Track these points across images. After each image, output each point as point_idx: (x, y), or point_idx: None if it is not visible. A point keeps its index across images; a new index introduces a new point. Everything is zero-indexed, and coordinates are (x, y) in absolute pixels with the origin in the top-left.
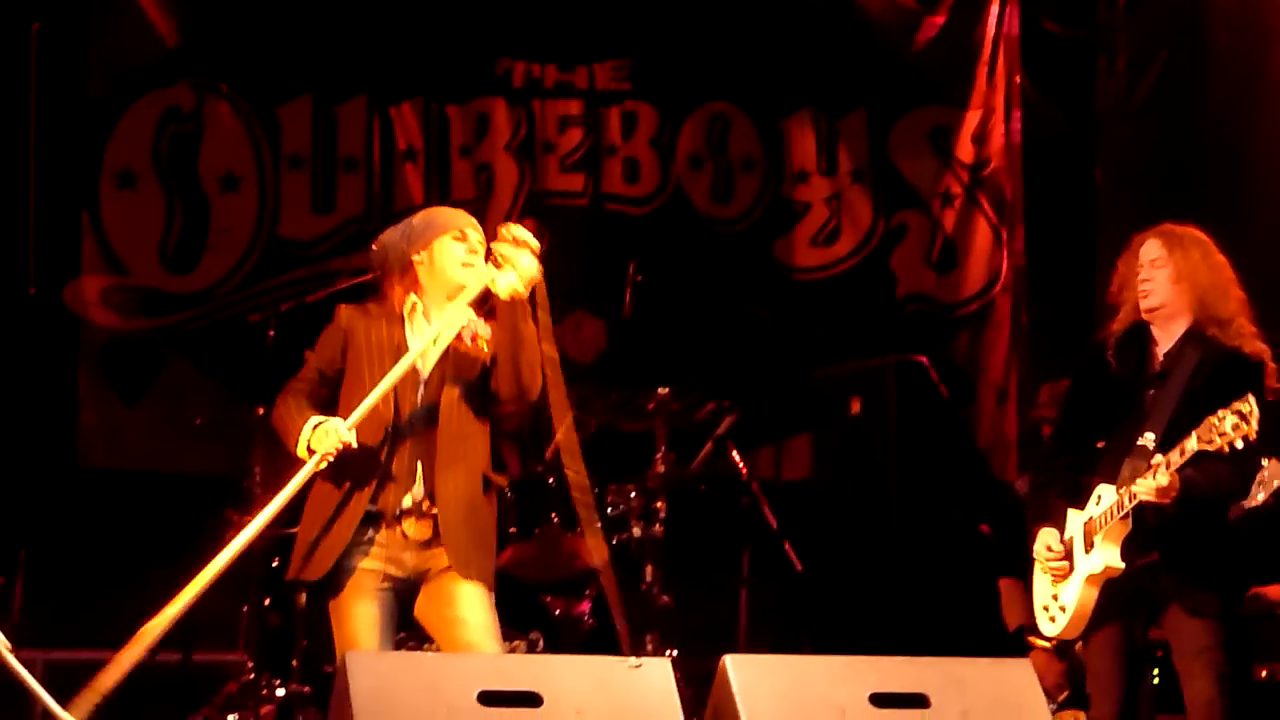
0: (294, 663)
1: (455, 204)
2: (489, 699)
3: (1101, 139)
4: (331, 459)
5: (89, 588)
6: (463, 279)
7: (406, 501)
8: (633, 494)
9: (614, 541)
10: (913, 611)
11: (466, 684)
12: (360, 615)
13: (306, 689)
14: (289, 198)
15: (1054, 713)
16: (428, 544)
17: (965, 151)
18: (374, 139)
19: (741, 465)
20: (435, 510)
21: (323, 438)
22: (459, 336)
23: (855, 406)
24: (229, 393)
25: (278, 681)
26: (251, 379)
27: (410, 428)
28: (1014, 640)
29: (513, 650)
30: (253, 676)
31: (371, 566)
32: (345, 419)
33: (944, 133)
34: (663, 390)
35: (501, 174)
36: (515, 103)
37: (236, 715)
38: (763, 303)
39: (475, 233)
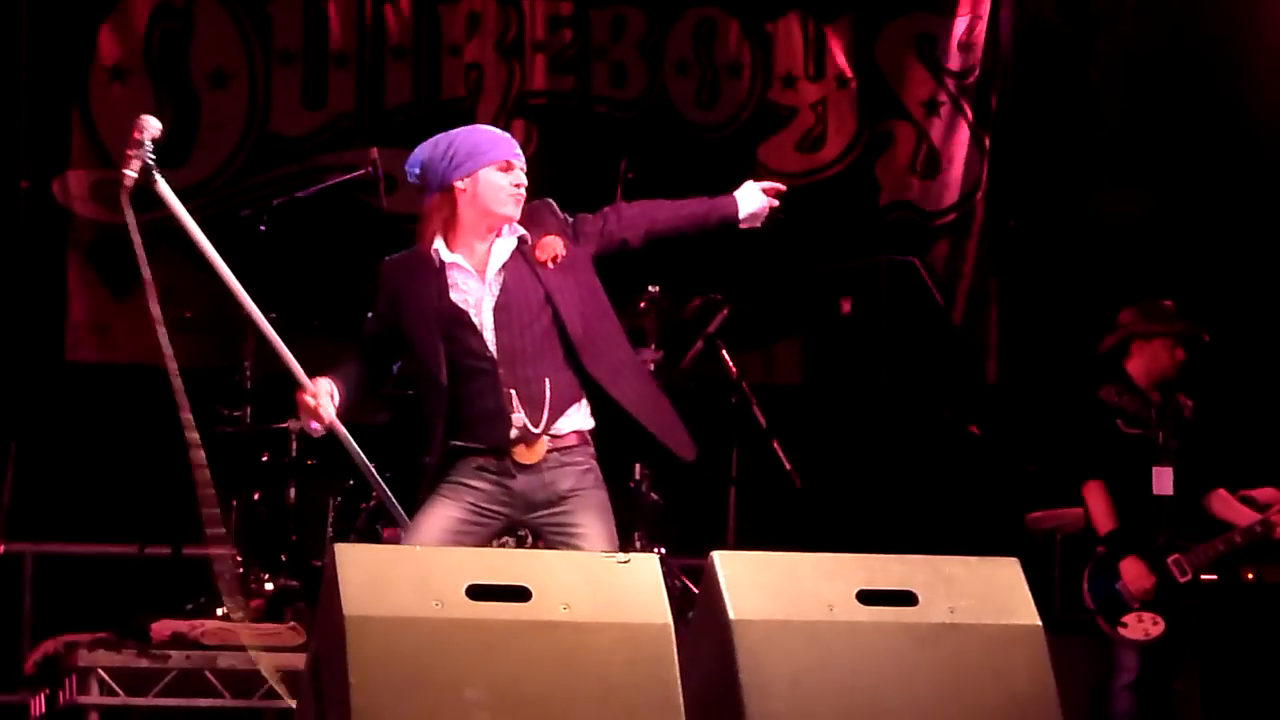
0: (283, 556)
1: (445, 103)
2: (477, 593)
3: (1099, 39)
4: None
5: (77, 482)
6: (508, 212)
7: (514, 430)
8: None
9: None
10: (902, 512)
11: (455, 577)
12: (436, 512)
13: (295, 583)
14: (279, 93)
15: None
16: (536, 469)
17: (951, 59)
18: (365, 35)
19: (731, 364)
20: (539, 435)
21: (303, 414)
22: (546, 258)
23: (846, 307)
24: (218, 288)
25: (266, 575)
26: (242, 274)
27: (500, 360)
28: (1001, 540)
29: (502, 545)
30: (241, 570)
31: (479, 485)
32: (417, 377)
33: (930, 40)
34: (653, 288)
35: (491, 74)
36: (505, 2)
37: (225, 609)
38: None
39: (520, 160)
